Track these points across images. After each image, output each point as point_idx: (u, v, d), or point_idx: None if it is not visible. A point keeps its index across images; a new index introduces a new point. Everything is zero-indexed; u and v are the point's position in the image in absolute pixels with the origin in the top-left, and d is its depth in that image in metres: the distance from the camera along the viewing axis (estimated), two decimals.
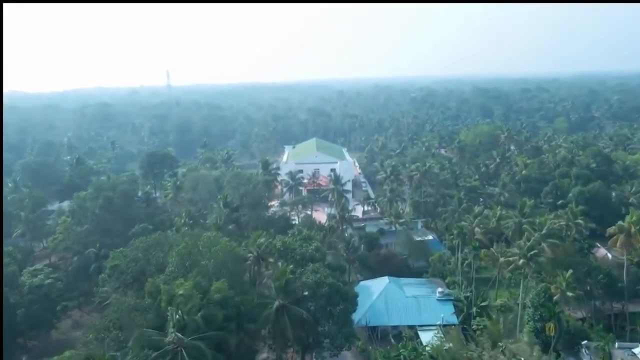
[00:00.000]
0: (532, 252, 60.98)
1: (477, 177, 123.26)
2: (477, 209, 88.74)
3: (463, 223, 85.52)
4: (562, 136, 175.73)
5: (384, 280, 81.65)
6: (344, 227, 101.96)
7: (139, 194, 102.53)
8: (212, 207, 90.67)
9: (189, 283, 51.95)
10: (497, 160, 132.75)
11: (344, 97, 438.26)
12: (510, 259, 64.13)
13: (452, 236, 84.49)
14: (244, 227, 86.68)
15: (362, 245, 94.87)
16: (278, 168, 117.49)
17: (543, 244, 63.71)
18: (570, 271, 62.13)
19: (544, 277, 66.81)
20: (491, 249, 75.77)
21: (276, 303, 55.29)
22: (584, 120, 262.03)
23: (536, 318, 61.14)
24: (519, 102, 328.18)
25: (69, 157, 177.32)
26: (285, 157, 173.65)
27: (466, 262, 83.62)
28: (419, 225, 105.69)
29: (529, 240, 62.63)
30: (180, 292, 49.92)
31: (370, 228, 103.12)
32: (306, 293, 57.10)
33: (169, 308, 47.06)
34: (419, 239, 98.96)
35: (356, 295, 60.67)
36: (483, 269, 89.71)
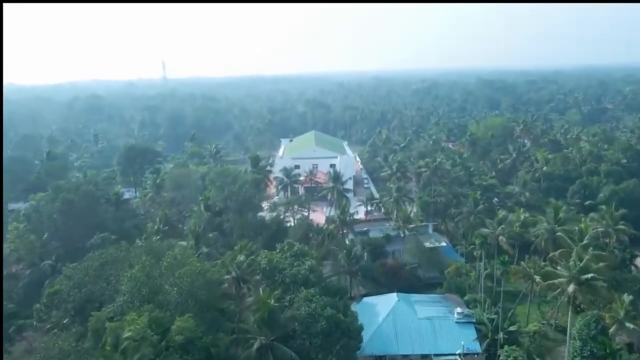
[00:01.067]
0: (587, 276, 48.14)
1: (493, 174, 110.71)
2: (501, 214, 76.15)
3: (485, 230, 73.06)
4: (576, 128, 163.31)
5: (392, 297, 69.39)
6: (345, 231, 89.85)
7: (112, 194, 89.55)
8: (192, 211, 78.17)
9: (142, 319, 39.63)
10: (513, 155, 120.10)
11: (344, 89, 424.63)
12: (556, 281, 51.46)
13: (472, 246, 72.02)
14: (228, 234, 74.42)
15: (366, 254, 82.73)
16: (270, 164, 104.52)
17: (592, 263, 50.63)
18: (630, 297, 49.63)
19: (592, 300, 54.30)
20: (522, 263, 63.30)
21: (257, 342, 43.01)
22: (597, 112, 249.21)
23: (585, 354, 49.08)
24: (527, 93, 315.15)
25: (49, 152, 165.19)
26: (281, 152, 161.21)
27: (486, 272, 71.26)
28: (430, 229, 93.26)
29: (580, 260, 49.71)
30: (129, 333, 37.68)
31: (375, 233, 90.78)
32: (296, 325, 44.80)
33: None
34: (431, 245, 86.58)
35: (361, 329, 48.42)
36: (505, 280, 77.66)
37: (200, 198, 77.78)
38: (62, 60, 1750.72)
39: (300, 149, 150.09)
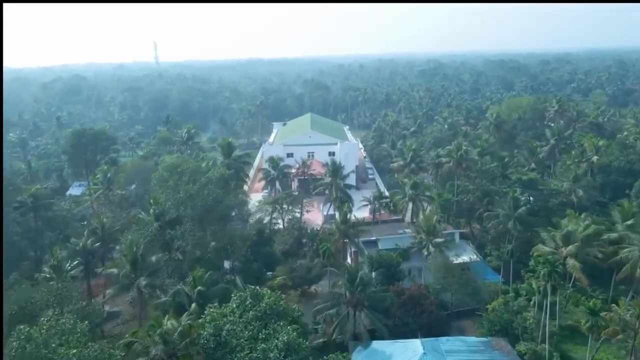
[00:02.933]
0: None
1: (532, 165, 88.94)
2: (565, 223, 54.78)
3: (545, 248, 51.80)
4: (608, 111, 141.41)
5: (415, 347, 48.63)
6: (345, 240, 68.69)
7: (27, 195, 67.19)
8: (137, 220, 56.69)
9: None
10: (552, 141, 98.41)
11: (344, 71, 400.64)
12: None
13: (531, 274, 50.85)
14: (184, 253, 53.12)
15: (374, 274, 61.87)
16: (247, 155, 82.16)
17: None
18: None
19: None
20: (615, 308, 42.01)
21: None
22: (622, 93, 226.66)
23: None
24: (541, 74, 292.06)
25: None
26: (272, 138, 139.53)
27: (536, 297, 50.32)
28: (457, 237, 71.92)
29: None
30: None
31: (385, 244, 69.54)
32: None
33: None
34: (460, 260, 65.39)
35: None
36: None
37: (151, 202, 56.38)
38: (58, 43, 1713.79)
39: (294, 134, 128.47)
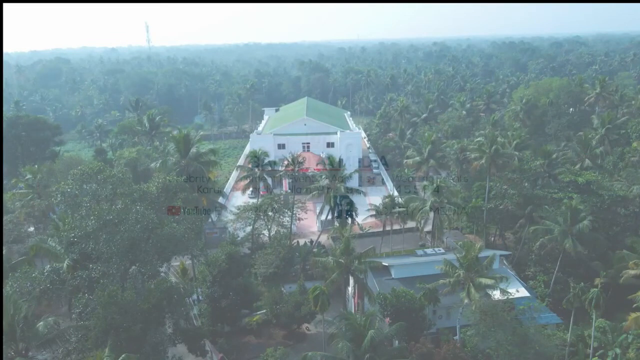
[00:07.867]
0: None
1: (588, 162, 70.25)
2: None
3: None
4: None
5: None
6: (352, 268, 50.23)
7: None
8: (39, 248, 38.31)
9: None
10: (601, 132, 79.77)
11: (345, 54, 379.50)
12: None
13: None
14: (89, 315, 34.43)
15: (387, 321, 43.80)
16: (211, 152, 62.52)
17: None
18: None
19: None
20: None
21: None
22: None
23: None
24: (556, 56, 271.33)
25: None
26: (261, 126, 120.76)
27: None
28: (497, 262, 53.43)
29: None
30: None
31: (401, 272, 51.41)
32: None
33: None
34: (504, 296, 46.71)
35: None
36: None
37: (62, 227, 38.02)
38: (53, 27, 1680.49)
39: (286, 121, 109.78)
